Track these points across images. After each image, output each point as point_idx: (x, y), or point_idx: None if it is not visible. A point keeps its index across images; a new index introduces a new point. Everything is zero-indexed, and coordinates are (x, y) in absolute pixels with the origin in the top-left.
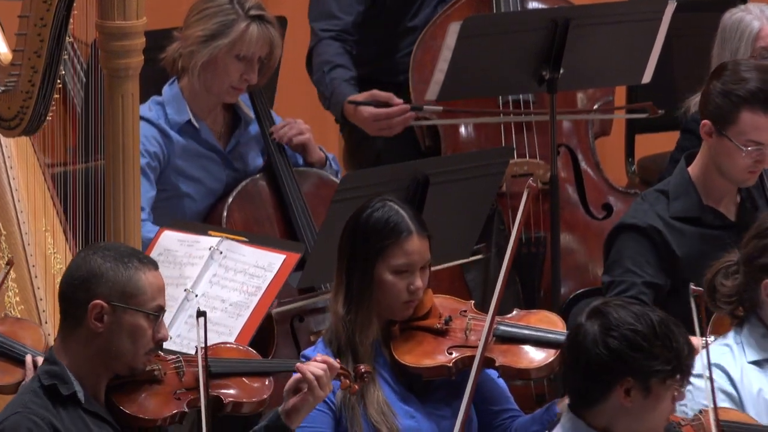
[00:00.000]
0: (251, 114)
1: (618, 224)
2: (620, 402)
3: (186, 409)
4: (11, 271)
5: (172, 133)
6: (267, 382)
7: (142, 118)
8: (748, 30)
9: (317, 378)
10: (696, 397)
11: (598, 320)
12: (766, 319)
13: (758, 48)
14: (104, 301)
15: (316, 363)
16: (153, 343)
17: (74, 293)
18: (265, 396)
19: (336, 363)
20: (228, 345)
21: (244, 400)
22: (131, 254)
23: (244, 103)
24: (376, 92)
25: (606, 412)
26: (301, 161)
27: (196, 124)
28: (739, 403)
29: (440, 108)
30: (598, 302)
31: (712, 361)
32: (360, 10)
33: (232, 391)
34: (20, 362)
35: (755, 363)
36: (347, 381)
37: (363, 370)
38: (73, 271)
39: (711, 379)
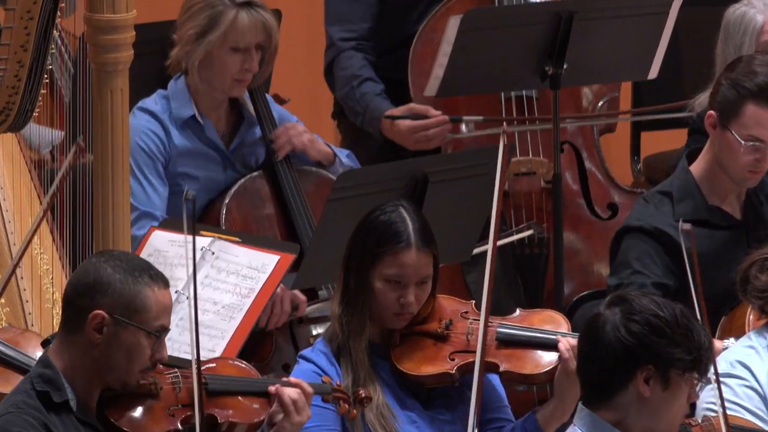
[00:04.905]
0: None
1: (623, 227)
2: (639, 391)
3: (179, 427)
4: None
5: (175, 130)
6: (263, 403)
7: (147, 111)
8: (752, 24)
9: (293, 401)
10: (725, 394)
11: (619, 307)
12: None
13: (762, 42)
14: (106, 312)
15: (291, 387)
16: (150, 362)
17: (78, 299)
18: (262, 418)
19: (308, 388)
20: (225, 360)
21: (239, 421)
22: (143, 268)
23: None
24: (413, 105)
25: (623, 404)
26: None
27: (200, 121)
28: (765, 401)
29: (480, 117)
30: (617, 293)
31: (738, 359)
32: (374, 14)
33: (227, 411)
34: (22, 371)
35: None
36: (346, 405)
37: (363, 395)
38: (80, 276)
39: (717, 376)
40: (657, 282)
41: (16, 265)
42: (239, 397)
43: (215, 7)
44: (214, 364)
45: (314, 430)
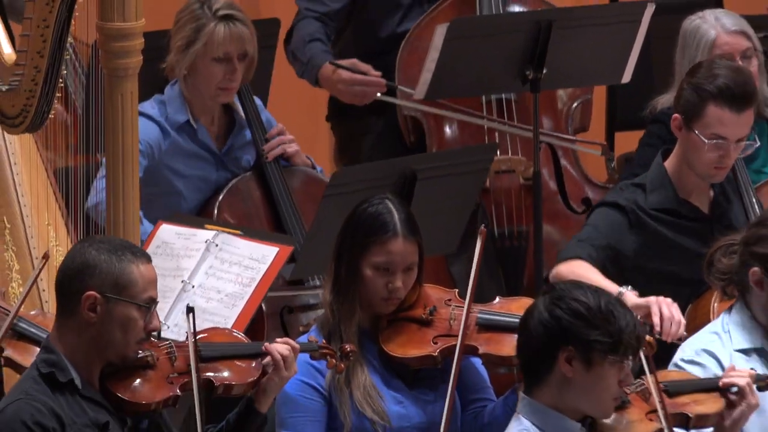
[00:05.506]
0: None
1: (599, 202)
2: (563, 372)
3: (179, 393)
4: (17, 263)
5: (171, 132)
6: (255, 365)
7: (144, 114)
8: (704, 39)
9: (283, 357)
10: None
11: (550, 295)
12: (753, 306)
13: (715, 56)
14: (97, 292)
15: (281, 343)
16: (144, 333)
17: (69, 284)
18: (255, 378)
19: (296, 344)
20: (216, 330)
21: (234, 382)
22: (125, 247)
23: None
24: (356, 61)
25: (552, 385)
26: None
27: (194, 125)
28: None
29: (413, 91)
30: (554, 283)
31: (703, 347)
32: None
33: (222, 374)
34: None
35: (742, 351)
36: (333, 360)
37: (348, 350)
38: (68, 263)
39: (645, 356)
40: (609, 245)
41: (32, 285)
42: (231, 361)
43: (199, 20)
44: (205, 334)
45: (300, 419)
